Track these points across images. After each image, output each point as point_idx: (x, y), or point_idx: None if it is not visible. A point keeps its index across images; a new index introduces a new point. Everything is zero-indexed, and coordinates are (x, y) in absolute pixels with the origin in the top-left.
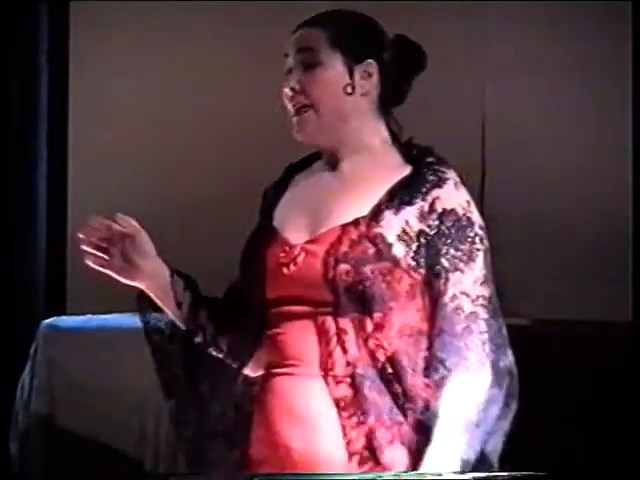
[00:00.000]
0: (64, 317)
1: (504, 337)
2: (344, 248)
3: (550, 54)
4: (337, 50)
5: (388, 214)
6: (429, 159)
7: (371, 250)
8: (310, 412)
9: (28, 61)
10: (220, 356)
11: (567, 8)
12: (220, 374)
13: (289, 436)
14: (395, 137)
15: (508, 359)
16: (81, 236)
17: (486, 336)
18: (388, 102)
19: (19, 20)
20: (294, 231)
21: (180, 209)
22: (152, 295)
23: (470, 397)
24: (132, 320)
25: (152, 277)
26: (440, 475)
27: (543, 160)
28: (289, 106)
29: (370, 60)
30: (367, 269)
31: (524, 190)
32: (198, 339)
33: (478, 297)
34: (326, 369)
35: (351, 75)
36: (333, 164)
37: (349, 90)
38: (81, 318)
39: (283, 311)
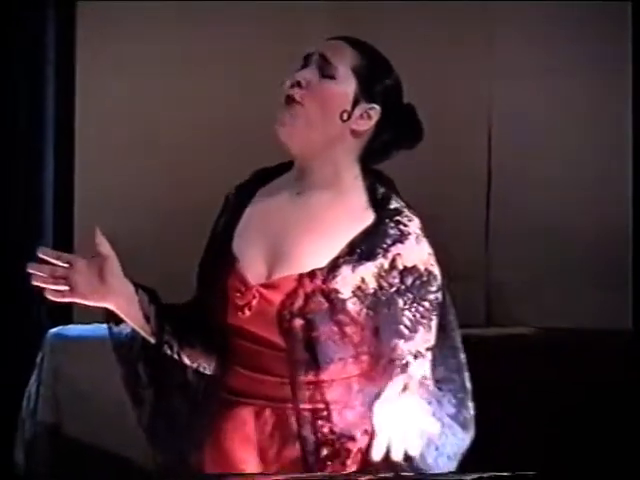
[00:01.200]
0: (70, 326)
1: (468, 392)
2: (299, 302)
3: (550, 56)
4: (355, 77)
5: (345, 269)
6: (392, 206)
7: (325, 305)
8: (266, 441)
9: (34, 62)
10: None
11: (566, 9)
12: (188, 384)
13: (243, 462)
14: (364, 173)
15: (468, 412)
16: (32, 272)
17: (453, 400)
18: (371, 155)
19: (25, 21)
20: (252, 267)
21: (188, 212)
22: (120, 313)
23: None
24: None
25: (122, 294)
26: (440, 475)
27: (543, 165)
28: (283, 96)
29: (376, 106)
30: (321, 324)
31: (525, 197)
32: (167, 351)
33: (442, 347)
34: (278, 403)
35: (354, 106)
36: (301, 189)
37: (344, 117)
38: (87, 327)
39: (243, 345)
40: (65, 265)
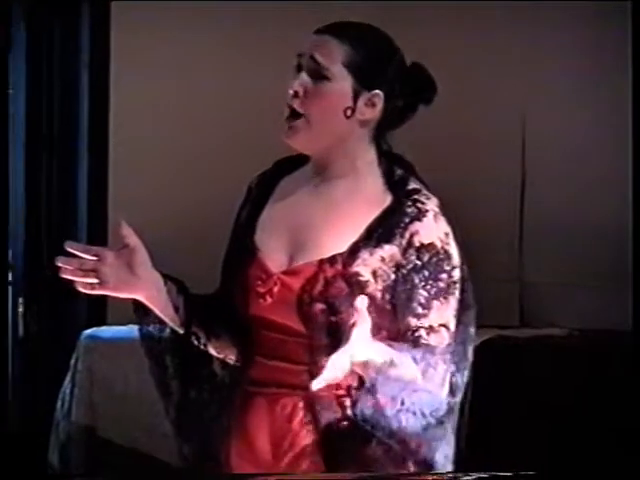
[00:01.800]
0: (104, 327)
1: (468, 361)
2: (319, 287)
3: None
4: (349, 72)
5: (365, 252)
6: (410, 186)
7: (346, 290)
8: (283, 429)
9: (69, 60)
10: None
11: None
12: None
13: (267, 453)
14: (380, 157)
15: (462, 378)
16: (60, 265)
17: (452, 366)
18: (385, 127)
19: (60, 19)
20: (273, 257)
21: (221, 209)
22: (150, 304)
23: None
24: None
25: (152, 285)
26: (441, 475)
27: (576, 168)
28: (286, 106)
29: (378, 91)
30: (341, 308)
31: (559, 199)
32: (195, 342)
33: (452, 328)
34: (297, 390)
35: (355, 99)
36: (319, 181)
37: (348, 113)
38: (121, 328)
39: (265, 335)
40: (93, 258)
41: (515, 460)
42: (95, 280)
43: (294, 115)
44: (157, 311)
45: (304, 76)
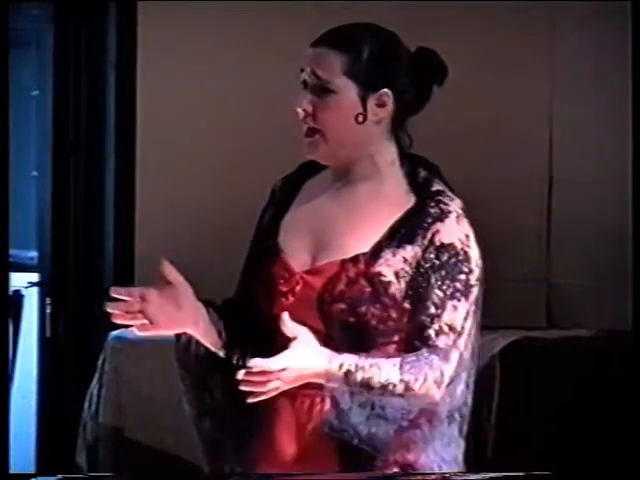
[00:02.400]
0: (131, 328)
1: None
2: (341, 286)
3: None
4: (352, 79)
5: (388, 253)
6: (433, 188)
7: (368, 289)
8: (314, 431)
9: (96, 61)
10: None
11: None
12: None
13: (290, 456)
14: (403, 158)
15: (463, 398)
16: (110, 311)
17: (455, 367)
18: (402, 119)
19: (86, 20)
20: (296, 257)
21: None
22: (195, 333)
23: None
24: None
25: (199, 318)
26: (446, 475)
27: (603, 168)
28: (302, 125)
29: (385, 90)
30: (363, 309)
31: (586, 199)
32: (235, 362)
33: (462, 330)
34: (315, 390)
35: (364, 104)
36: (342, 184)
37: (360, 119)
38: None
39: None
40: (138, 300)
41: (543, 461)
42: (144, 321)
43: (311, 131)
44: (200, 338)
45: (308, 94)
